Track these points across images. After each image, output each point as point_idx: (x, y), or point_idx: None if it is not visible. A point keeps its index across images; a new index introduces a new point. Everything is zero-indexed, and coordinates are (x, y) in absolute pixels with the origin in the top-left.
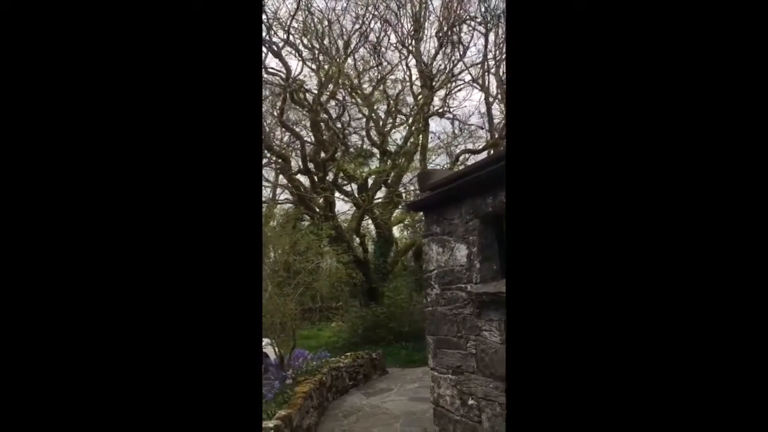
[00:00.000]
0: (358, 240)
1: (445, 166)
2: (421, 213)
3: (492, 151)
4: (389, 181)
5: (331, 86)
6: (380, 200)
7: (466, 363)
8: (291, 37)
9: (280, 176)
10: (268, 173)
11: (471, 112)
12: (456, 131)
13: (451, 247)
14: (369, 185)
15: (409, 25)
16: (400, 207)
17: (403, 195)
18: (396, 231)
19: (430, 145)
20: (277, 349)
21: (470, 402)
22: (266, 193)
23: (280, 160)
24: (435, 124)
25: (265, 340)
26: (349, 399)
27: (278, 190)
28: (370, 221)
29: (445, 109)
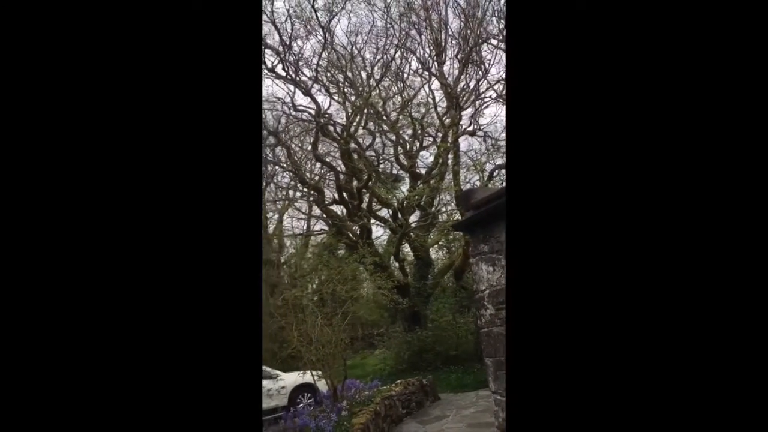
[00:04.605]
0: (396, 264)
1: (476, 183)
2: (461, 233)
3: None
4: (422, 203)
5: (358, 117)
6: (416, 223)
7: None
8: (318, 75)
9: (314, 208)
10: (301, 205)
11: (502, 128)
12: (488, 148)
13: (502, 265)
14: (404, 209)
15: (429, 49)
16: (435, 228)
17: (438, 216)
18: (432, 252)
19: (462, 164)
20: (329, 381)
21: None
22: (301, 225)
23: (314, 192)
24: (465, 143)
25: (317, 373)
26: (405, 428)
27: (312, 221)
28: (406, 245)
29: (475, 127)
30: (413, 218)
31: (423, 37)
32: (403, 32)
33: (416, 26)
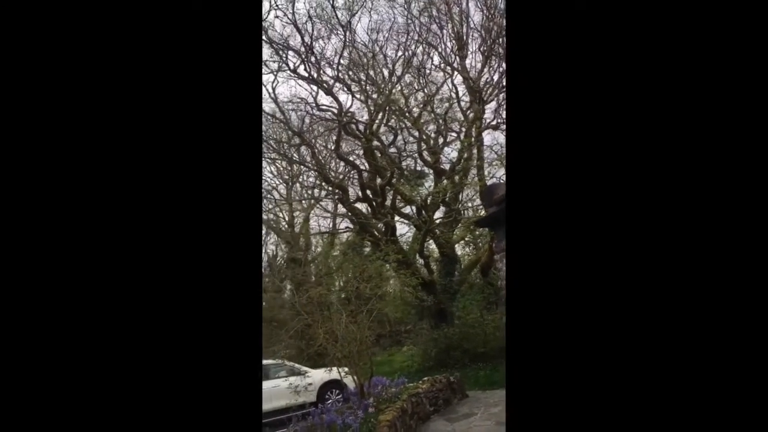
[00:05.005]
0: (422, 261)
1: (502, 178)
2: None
3: None
4: (447, 199)
5: (380, 115)
6: (440, 220)
7: None
8: (339, 74)
9: (339, 206)
10: (326, 204)
11: None
12: None
13: None
14: (428, 206)
15: (451, 43)
16: (460, 224)
17: (463, 212)
18: (458, 248)
19: (486, 159)
20: (356, 378)
21: None
22: (327, 223)
23: (338, 191)
24: (489, 137)
25: (344, 369)
26: (432, 426)
27: (338, 220)
28: (431, 242)
29: (499, 121)
30: (438, 215)
31: (444, 31)
32: (424, 27)
33: (437, 21)
